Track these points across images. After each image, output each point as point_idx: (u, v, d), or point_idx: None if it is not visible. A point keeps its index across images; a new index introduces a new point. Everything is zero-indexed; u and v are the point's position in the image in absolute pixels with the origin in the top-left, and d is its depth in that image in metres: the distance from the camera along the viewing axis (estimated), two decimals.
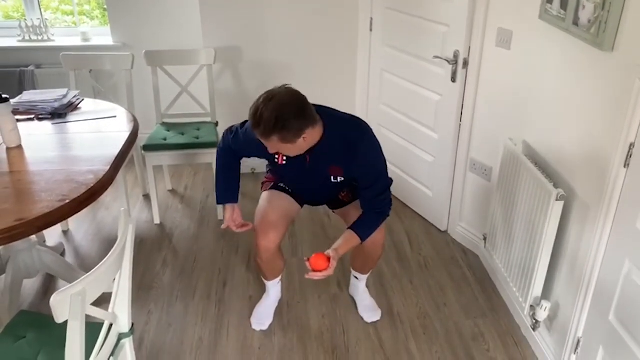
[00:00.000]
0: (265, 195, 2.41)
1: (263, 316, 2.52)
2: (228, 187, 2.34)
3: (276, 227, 2.25)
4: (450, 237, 3.20)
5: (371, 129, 2.12)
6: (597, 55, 1.85)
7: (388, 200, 2.16)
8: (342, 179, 2.17)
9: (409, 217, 3.38)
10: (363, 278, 2.56)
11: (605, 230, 1.84)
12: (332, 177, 2.17)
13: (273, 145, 1.93)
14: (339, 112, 2.12)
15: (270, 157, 2.18)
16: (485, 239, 2.83)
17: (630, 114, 1.67)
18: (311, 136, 1.95)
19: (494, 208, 2.66)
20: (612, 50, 1.77)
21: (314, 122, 1.94)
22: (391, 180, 2.18)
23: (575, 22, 1.93)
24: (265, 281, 2.51)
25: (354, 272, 2.57)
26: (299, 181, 2.34)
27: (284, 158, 2.16)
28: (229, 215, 2.28)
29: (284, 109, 1.84)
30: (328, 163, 2.12)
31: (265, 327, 2.50)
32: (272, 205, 2.33)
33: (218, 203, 2.35)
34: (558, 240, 2.15)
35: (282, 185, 2.41)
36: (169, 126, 3.40)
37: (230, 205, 2.30)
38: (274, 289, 2.54)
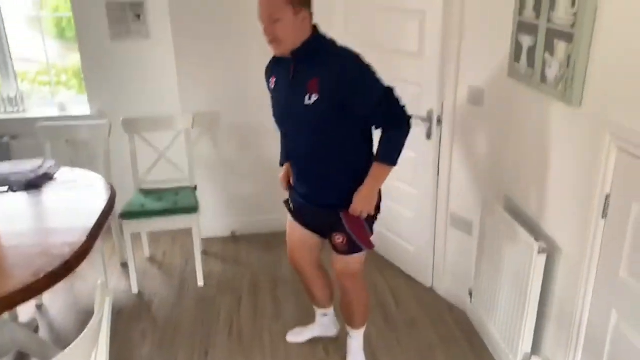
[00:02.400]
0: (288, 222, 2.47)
1: (301, 332, 2.65)
2: (282, 150, 2.39)
3: (299, 252, 2.43)
4: (435, 293, 3.17)
5: (359, 55, 2.02)
6: (567, 110, 1.90)
7: (398, 109, 2.01)
8: (317, 97, 1.96)
9: (393, 274, 3.35)
10: (353, 335, 2.48)
11: (590, 281, 1.84)
12: (307, 97, 1.98)
13: (277, 6, 1.87)
14: None
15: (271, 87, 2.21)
16: (471, 294, 2.80)
17: (603, 166, 1.71)
18: (305, 22, 1.95)
19: (478, 263, 2.66)
20: (581, 106, 1.83)
21: (311, 10, 1.97)
22: (390, 89, 2.01)
23: (543, 80, 2.00)
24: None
25: (346, 328, 2.52)
26: (283, 118, 2.19)
27: (275, 81, 2.15)
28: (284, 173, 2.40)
29: None
30: (309, 76, 1.99)
31: (296, 339, 2.69)
32: (290, 239, 2.46)
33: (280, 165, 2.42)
34: (544, 293, 2.14)
35: (291, 205, 2.38)
36: (147, 192, 3.36)
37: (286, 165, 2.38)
38: (317, 318, 2.60)
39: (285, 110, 2.14)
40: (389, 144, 2.02)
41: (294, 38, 1.95)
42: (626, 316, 1.67)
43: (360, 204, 2.07)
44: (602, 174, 1.72)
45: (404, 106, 2.03)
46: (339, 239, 2.18)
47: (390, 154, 2.02)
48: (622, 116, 1.63)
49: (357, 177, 2.09)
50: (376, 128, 2.07)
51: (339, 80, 1.93)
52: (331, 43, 2.04)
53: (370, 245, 2.22)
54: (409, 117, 2.04)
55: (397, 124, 2.02)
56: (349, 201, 2.10)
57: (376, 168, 2.03)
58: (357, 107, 1.98)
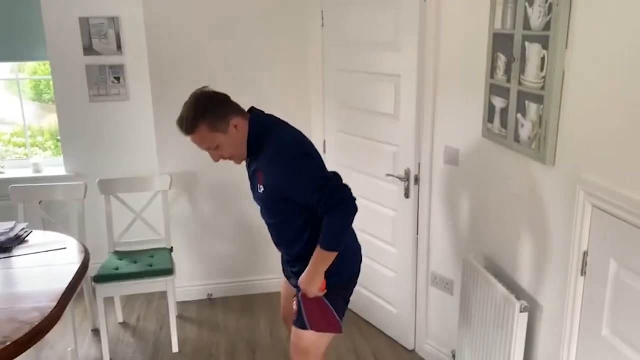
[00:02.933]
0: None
1: None
2: None
3: (287, 305, 2.39)
4: (418, 356, 3.09)
5: (290, 141, 2.00)
6: (541, 168, 1.95)
7: (335, 196, 1.89)
8: (263, 189, 2.01)
9: (374, 336, 3.27)
10: None
11: (573, 340, 1.83)
12: (259, 187, 2.03)
13: (205, 139, 1.91)
14: (281, 123, 2.10)
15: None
16: (454, 356, 2.75)
17: (579, 223, 1.74)
18: (242, 126, 1.95)
19: (460, 323, 2.62)
20: (554, 164, 1.87)
21: (241, 113, 1.97)
22: (327, 177, 1.94)
23: (517, 139, 2.06)
24: None
25: None
26: (254, 199, 2.20)
27: (248, 168, 2.13)
28: None
29: (202, 97, 1.94)
30: (257, 169, 2.04)
31: None
32: (282, 293, 2.48)
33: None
34: (528, 353, 2.11)
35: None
36: (121, 255, 3.28)
37: None
38: None
39: (252, 194, 2.18)
40: (326, 229, 1.92)
41: (239, 149, 2.01)
42: None
43: (303, 284, 2.03)
44: (579, 231, 1.74)
45: (343, 191, 1.92)
46: (294, 304, 2.16)
47: (327, 239, 1.93)
48: (595, 174, 1.67)
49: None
50: (318, 214, 1.97)
51: (272, 174, 1.97)
52: (268, 132, 2.01)
53: (319, 328, 2.09)
54: (349, 202, 1.92)
55: (334, 210, 1.90)
56: None
57: (317, 252, 1.96)
58: (294, 197, 1.98)
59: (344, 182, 1.99)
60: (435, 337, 3.00)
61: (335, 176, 1.99)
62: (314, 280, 2.00)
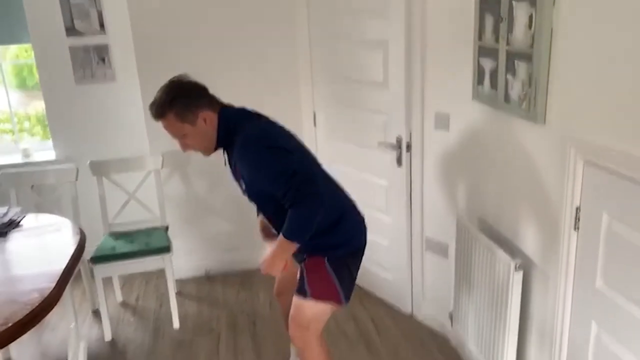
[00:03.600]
0: None
1: None
2: None
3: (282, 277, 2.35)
4: (416, 320, 3.14)
5: (278, 137, 2.00)
6: (532, 128, 1.96)
7: (294, 188, 1.86)
8: (244, 182, 2.05)
9: (372, 303, 3.32)
10: None
11: (567, 294, 1.86)
12: (241, 182, 2.06)
13: (173, 127, 1.94)
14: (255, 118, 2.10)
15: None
16: (451, 318, 2.79)
17: (571, 180, 1.75)
18: (212, 120, 1.95)
19: (456, 285, 2.66)
20: (545, 123, 1.88)
21: (213, 106, 1.96)
22: (293, 173, 1.88)
23: (507, 100, 2.06)
24: None
25: None
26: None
27: (226, 164, 2.13)
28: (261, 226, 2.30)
29: (175, 85, 1.96)
30: (235, 164, 2.03)
31: None
32: None
33: None
34: (523, 310, 2.15)
35: None
36: (117, 235, 3.29)
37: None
38: (292, 357, 2.37)
39: (240, 189, 2.18)
40: (290, 221, 1.91)
41: (207, 142, 2.02)
42: (606, 327, 1.68)
43: (264, 265, 2.03)
44: (571, 187, 1.76)
45: (310, 186, 1.90)
46: (299, 269, 2.17)
47: (290, 230, 1.92)
48: (585, 130, 1.68)
49: (315, 233, 1.98)
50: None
51: (243, 167, 1.98)
52: (237, 125, 2.00)
53: (319, 296, 2.07)
54: (315, 197, 1.89)
55: (298, 204, 1.88)
56: (313, 250, 2.09)
57: (281, 239, 1.96)
58: (264, 188, 1.98)
59: (315, 182, 1.95)
60: (431, 301, 3.05)
61: (307, 174, 1.94)
62: (274, 264, 2.01)
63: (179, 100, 1.92)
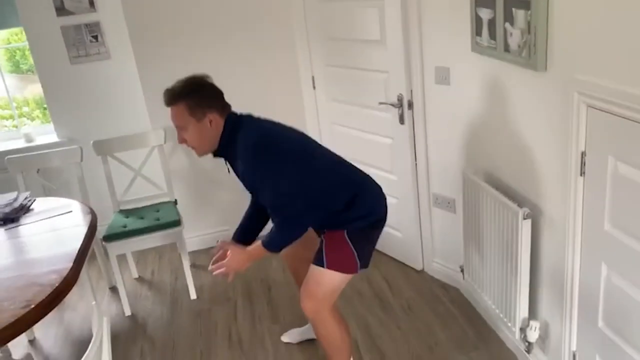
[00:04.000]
0: None
1: (296, 333, 2.46)
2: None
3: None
4: (427, 275, 3.19)
5: (272, 145, 1.99)
6: (533, 76, 1.94)
7: (284, 215, 1.99)
8: (249, 185, 2.09)
9: (384, 262, 3.37)
10: None
11: (576, 239, 1.88)
12: (247, 184, 2.10)
13: (179, 117, 1.97)
14: (261, 123, 2.09)
15: None
16: (462, 270, 2.84)
17: (575, 125, 1.75)
18: (217, 124, 1.99)
19: (466, 239, 2.69)
20: (546, 70, 1.87)
21: (223, 112, 2.00)
22: (280, 194, 1.97)
23: (506, 49, 2.04)
24: None
25: None
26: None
27: (229, 172, 2.17)
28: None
29: (196, 81, 2.01)
30: (238, 169, 2.08)
31: (291, 340, 2.63)
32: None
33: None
34: (534, 258, 2.18)
35: None
36: (127, 212, 3.32)
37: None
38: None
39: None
40: (272, 234, 2.03)
41: (204, 142, 2.04)
42: (615, 267, 1.71)
43: (229, 260, 2.09)
44: (575, 133, 1.76)
45: (297, 220, 2.01)
46: (318, 237, 2.20)
47: (270, 242, 2.04)
48: (588, 73, 1.67)
49: (332, 213, 2.10)
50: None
51: (242, 164, 2.01)
52: (241, 131, 2.02)
53: (335, 267, 2.08)
54: (294, 221, 2.01)
55: (280, 224, 2.03)
56: (332, 225, 2.12)
57: (257, 245, 2.06)
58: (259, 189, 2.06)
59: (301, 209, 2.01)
60: (442, 255, 3.09)
61: (293, 195, 1.98)
62: (241, 261, 2.09)
63: (194, 95, 1.97)
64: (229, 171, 2.11)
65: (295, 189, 1.98)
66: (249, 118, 2.10)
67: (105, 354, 1.53)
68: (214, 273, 2.10)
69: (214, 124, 2.00)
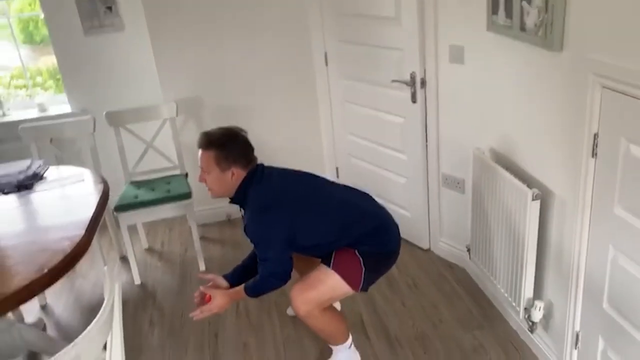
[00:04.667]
0: None
1: None
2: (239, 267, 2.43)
3: None
4: (434, 254, 3.22)
5: (273, 207, 2.12)
6: (549, 55, 1.93)
7: (268, 271, 2.13)
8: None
9: None
10: (333, 349, 2.37)
11: (585, 221, 1.89)
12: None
13: (206, 162, 2.14)
14: (278, 180, 2.22)
15: None
16: (469, 250, 2.85)
17: (589, 106, 1.74)
18: (238, 177, 2.14)
19: (473, 219, 2.70)
20: (562, 49, 1.85)
21: (247, 165, 2.15)
22: (274, 265, 2.13)
23: (523, 28, 2.02)
24: None
25: None
26: None
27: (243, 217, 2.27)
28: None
29: (232, 135, 2.17)
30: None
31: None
32: None
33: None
34: (541, 239, 2.18)
35: None
36: (138, 184, 3.35)
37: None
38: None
39: None
40: (255, 283, 2.17)
41: (221, 190, 2.20)
42: (623, 249, 1.71)
43: (212, 304, 2.18)
44: (589, 114, 1.75)
45: (276, 277, 2.14)
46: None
47: (251, 289, 2.18)
48: (604, 53, 1.65)
49: (330, 247, 2.20)
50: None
51: (246, 226, 2.15)
52: (253, 187, 2.16)
53: (340, 272, 2.13)
54: (277, 283, 2.14)
55: (264, 280, 2.15)
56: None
57: (240, 290, 2.19)
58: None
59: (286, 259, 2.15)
60: (449, 235, 3.10)
61: (280, 263, 2.13)
62: (222, 307, 2.20)
63: (225, 148, 2.13)
64: (242, 217, 2.24)
65: (281, 253, 2.12)
66: (264, 173, 2.20)
67: (117, 318, 1.57)
68: (195, 318, 2.21)
69: (235, 177, 2.16)
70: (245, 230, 2.15)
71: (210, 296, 2.19)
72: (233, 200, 2.24)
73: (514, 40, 2.13)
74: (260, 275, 2.16)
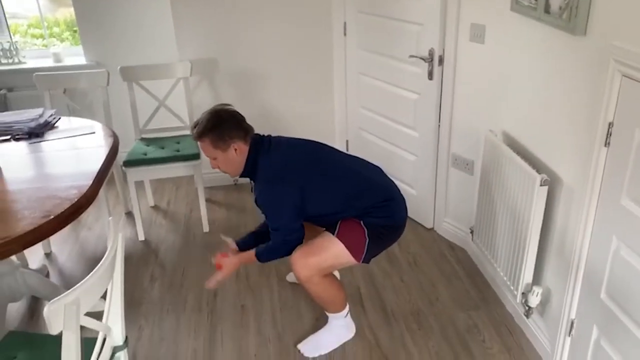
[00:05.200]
0: None
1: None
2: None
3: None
4: (436, 233, 3.22)
5: (283, 177, 2.13)
6: (571, 40, 1.89)
7: (280, 239, 2.17)
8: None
9: None
10: (329, 317, 2.38)
11: (591, 210, 1.88)
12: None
13: (207, 150, 2.14)
14: (284, 148, 2.21)
15: None
16: (472, 232, 2.85)
17: (607, 94, 1.72)
18: (242, 151, 2.14)
19: (479, 200, 2.69)
20: (585, 34, 1.82)
21: (245, 137, 2.14)
22: (285, 234, 2.16)
23: (547, 10, 1.98)
24: None
25: None
26: None
27: (252, 191, 2.28)
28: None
29: (217, 114, 2.14)
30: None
31: (295, 280, 2.72)
32: None
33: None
34: (544, 226, 2.18)
35: None
36: (148, 141, 3.37)
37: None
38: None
39: None
40: (266, 248, 2.22)
41: (234, 168, 2.20)
42: (626, 241, 1.71)
43: (223, 270, 2.28)
44: (606, 102, 1.73)
45: (288, 244, 2.18)
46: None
47: (261, 253, 2.23)
48: (628, 41, 1.62)
49: (337, 216, 2.21)
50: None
51: (257, 197, 2.18)
52: (261, 158, 2.16)
53: (344, 240, 2.14)
54: (287, 246, 2.18)
55: (276, 246, 2.20)
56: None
57: (250, 255, 2.25)
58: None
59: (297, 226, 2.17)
60: (453, 216, 3.10)
61: (292, 227, 2.15)
62: (232, 268, 2.28)
63: (216, 130, 2.11)
64: (252, 190, 2.25)
65: (293, 222, 2.15)
66: (272, 144, 2.20)
67: (118, 268, 1.59)
68: (207, 286, 2.32)
69: (239, 151, 2.15)
70: (256, 201, 2.17)
71: (220, 265, 2.27)
72: (243, 174, 2.23)
73: (537, 22, 2.09)
74: (272, 242, 2.20)
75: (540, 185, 2.07)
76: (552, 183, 2.10)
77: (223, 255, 2.31)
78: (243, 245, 2.38)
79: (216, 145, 2.12)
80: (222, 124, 2.12)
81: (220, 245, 3.13)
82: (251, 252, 2.25)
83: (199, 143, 2.17)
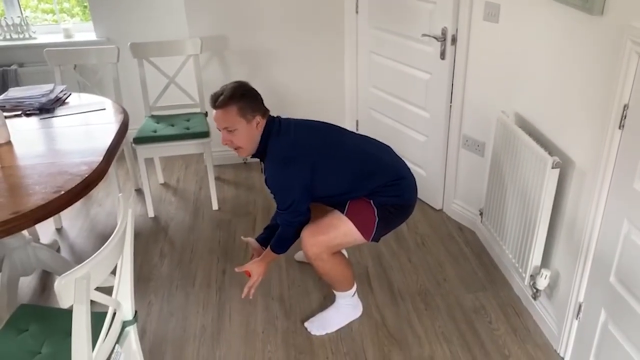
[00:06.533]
0: None
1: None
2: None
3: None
4: (445, 214, 3.21)
5: (293, 158, 2.11)
6: (587, 19, 1.86)
7: (286, 220, 2.18)
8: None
9: None
10: (337, 295, 2.39)
11: (603, 193, 1.86)
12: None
13: (229, 119, 2.07)
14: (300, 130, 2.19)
15: None
16: (481, 213, 2.84)
17: (623, 75, 1.68)
18: (260, 127, 2.12)
19: (490, 182, 2.68)
20: (602, 14, 1.78)
21: (265, 114, 2.14)
22: (292, 215, 2.16)
23: None
24: None
25: None
26: None
27: (262, 172, 2.27)
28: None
29: (245, 86, 2.14)
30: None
31: (303, 259, 2.75)
32: None
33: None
34: (555, 209, 2.16)
35: None
36: (158, 118, 3.37)
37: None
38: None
39: None
40: (277, 238, 2.24)
41: (251, 143, 2.15)
42: (638, 224, 1.69)
43: (253, 274, 2.27)
44: (621, 84, 1.70)
45: (293, 226, 2.19)
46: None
47: (275, 245, 2.24)
48: None
49: (347, 196, 2.20)
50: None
51: (267, 179, 2.16)
52: (272, 139, 2.14)
53: (353, 219, 2.14)
54: (295, 228, 2.19)
55: (284, 230, 2.20)
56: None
57: (268, 251, 2.26)
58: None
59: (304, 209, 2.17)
60: (462, 198, 3.09)
61: (299, 209, 2.15)
62: (262, 272, 2.27)
63: (245, 98, 2.08)
64: (262, 171, 2.23)
65: (301, 204, 2.14)
66: (282, 125, 2.18)
67: (128, 243, 1.61)
68: (244, 296, 2.30)
69: (259, 126, 2.13)
70: (266, 182, 2.16)
71: (248, 272, 2.28)
72: (254, 154, 2.22)
73: (553, 1, 2.04)
74: (280, 227, 2.21)
75: (552, 167, 2.05)
76: (563, 165, 2.08)
77: (256, 253, 2.38)
78: (262, 241, 2.41)
79: (243, 114, 2.07)
80: (249, 94, 2.12)
81: (229, 222, 3.17)
82: (268, 250, 2.27)
83: (217, 112, 2.09)
